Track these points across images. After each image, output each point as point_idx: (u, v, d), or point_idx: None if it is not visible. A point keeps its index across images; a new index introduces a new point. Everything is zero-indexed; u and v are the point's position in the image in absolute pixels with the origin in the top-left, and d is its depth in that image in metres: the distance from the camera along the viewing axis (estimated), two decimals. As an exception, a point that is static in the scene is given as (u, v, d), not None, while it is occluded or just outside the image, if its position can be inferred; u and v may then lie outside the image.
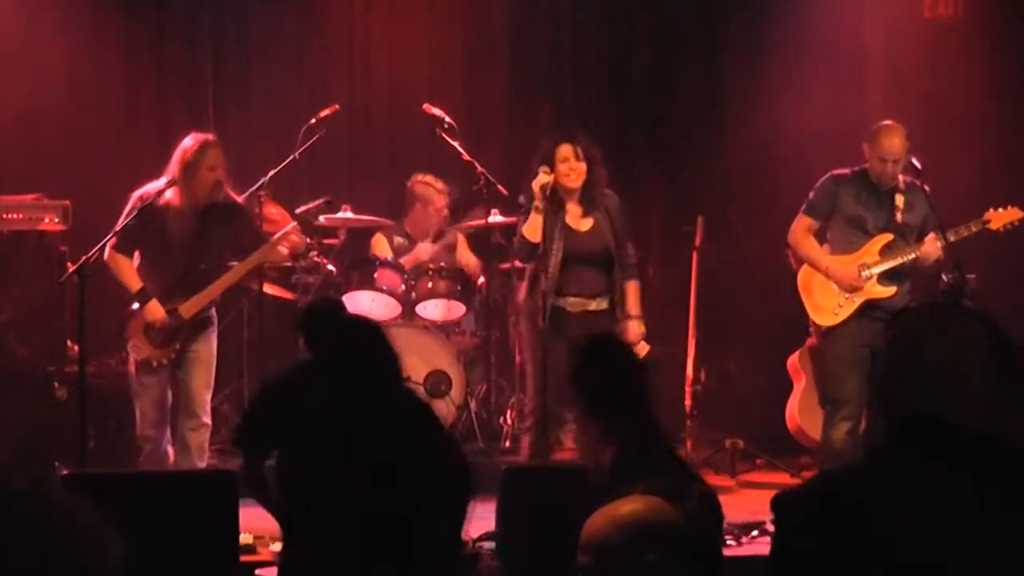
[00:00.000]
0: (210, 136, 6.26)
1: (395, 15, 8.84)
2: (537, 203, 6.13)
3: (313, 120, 7.05)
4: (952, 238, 6.27)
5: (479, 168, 7.05)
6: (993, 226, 6.33)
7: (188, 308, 6.20)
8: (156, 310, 6.16)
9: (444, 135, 7.25)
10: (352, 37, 8.86)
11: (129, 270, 6.20)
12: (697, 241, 7.71)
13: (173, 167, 6.13)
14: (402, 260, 7.61)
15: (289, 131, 7.24)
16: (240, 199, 6.42)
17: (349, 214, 7.64)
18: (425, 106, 7.43)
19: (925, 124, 7.90)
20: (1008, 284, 7.55)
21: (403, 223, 7.90)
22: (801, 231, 6.56)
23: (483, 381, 7.90)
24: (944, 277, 6.38)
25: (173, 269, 6.22)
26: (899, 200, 6.39)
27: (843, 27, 8.47)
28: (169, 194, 6.13)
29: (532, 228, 6.16)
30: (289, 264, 7.67)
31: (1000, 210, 6.35)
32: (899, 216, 6.38)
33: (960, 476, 1.99)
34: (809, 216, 6.54)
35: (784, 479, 6.85)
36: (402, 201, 7.92)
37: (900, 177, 6.39)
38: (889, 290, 6.38)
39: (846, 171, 6.49)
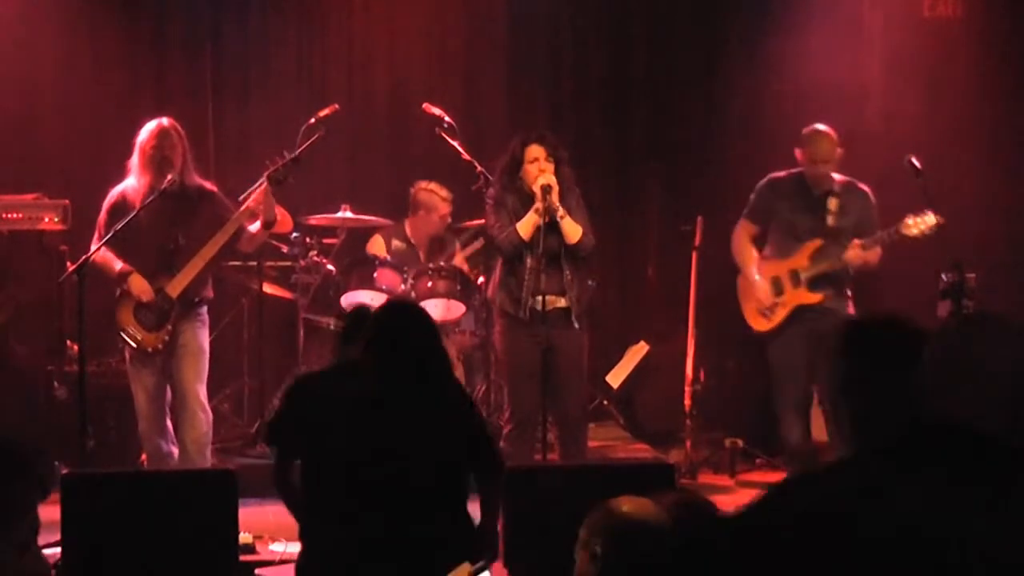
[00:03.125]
0: (163, 119, 6.28)
1: (395, 15, 8.84)
2: (538, 204, 6.12)
3: (313, 120, 7.04)
4: (868, 246, 6.34)
5: (479, 168, 7.05)
6: (910, 232, 6.30)
7: (174, 286, 6.20)
8: (140, 282, 6.17)
9: (444, 135, 7.25)
10: (352, 37, 8.86)
11: (111, 258, 6.22)
12: (697, 241, 7.71)
13: (133, 154, 6.26)
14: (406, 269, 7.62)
15: (289, 131, 7.24)
16: (210, 185, 6.42)
17: (348, 214, 7.64)
18: (425, 106, 7.43)
19: (925, 123, 7.91)
20: (1008, 284, 7.55)
21: (403, 226, 7.89)
22: (741, 237, 6.73)
23: (482, 381, 7.90)
24: (944, 277, 6.37)
25: (150, 253, 6.23)
26: (832, 204, 6.47)
27: (843, 26, 8.47)
28: (134, 184, 6.21)
29: (527, 227, 6.16)
30: (285, 257, 7.68)
31: (917, 217, 6.32)
32: (830, 220, 6.47)
33: (982, 487, 1.96)
34: (748, 220, 6.72)
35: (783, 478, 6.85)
36: (403, 201, 7.92)
37: (837, 178, 6.49)
38: (817, 296, 6.50)
39: (783, 174, 6.64)
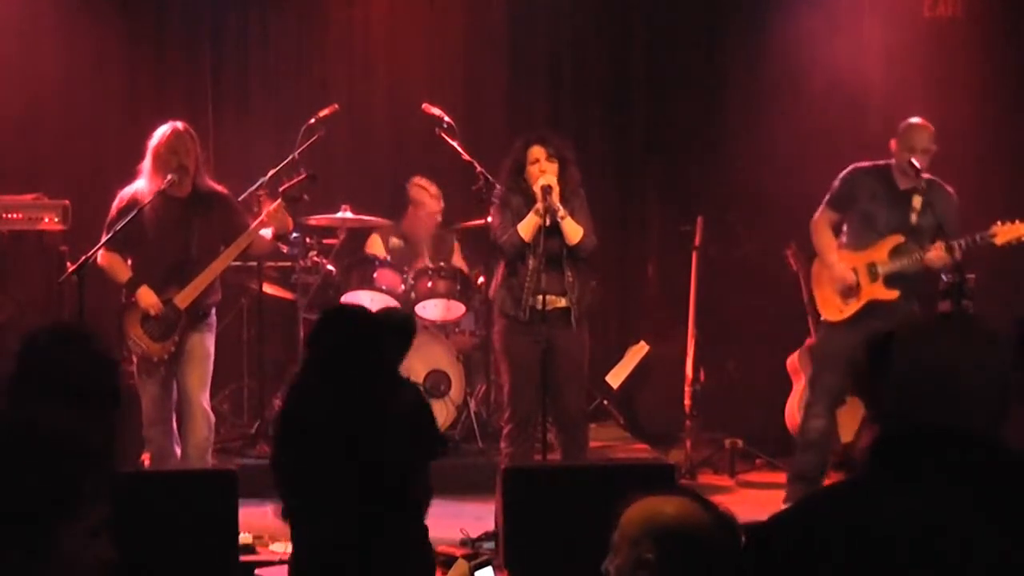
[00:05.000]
0: (178, 123, 6.23)
1: (395, 15, 8.84)
2: (538, 205, 6.11)
3: (312, 120, 7.04)
4: (957, 250, 6.23)
5: (478, 168, 7.05)
6: (999, 241, 6.22)
7: (183, 298, 6.18)
8: (148, 295, 6.15)
9: (443, 135, 7.25)
10: (352, 37, 8.86)
11: (119, 264, 6.21)
12: (697, 241, 7.71)
13: (146, 156, 6.20)
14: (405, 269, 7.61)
15: (289, 131, 7.24)
16: (222, 189, 6.40)
17: (348, 214, 7.64)
18: (424, 106, 7.43)
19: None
20: (1008, 284, 7.54)
21: (400, 224, 7.91)
22: (822, 222, 6.55)
23: (482, 381, 7.91)
24: (944, 277, 6.36)
25: (161, 260, 6.20)
26: (916, 201, 6.35)
27: (843, 27, 8.47)
28: (146, 187, 6.16)
29: (528, 228, 6.14)
30: (285, 257, 7.68)
31: (1006, 224, 6.27)
32: (914, 217, 6.36)
33: (962, 489, 1.96)
34: (831, 208, 6.53)
35: (783, 479, 6.85)
36: (402, 200, 7.92)
37: (924, 176, 6.36)
38: (892, 293, 6.37)
39: (868, 164, 6.48)
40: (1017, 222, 6.26)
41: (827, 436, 6.57)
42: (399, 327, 4.71)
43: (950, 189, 6.45)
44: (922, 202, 6.35)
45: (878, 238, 6.39)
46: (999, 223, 6.27)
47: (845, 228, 6.53)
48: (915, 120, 6.41)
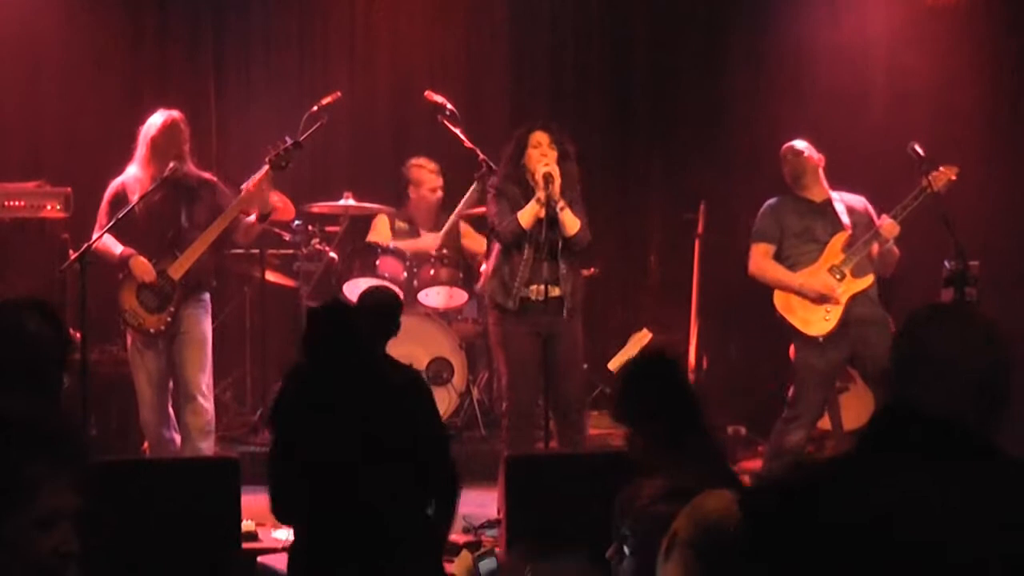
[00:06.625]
0: (173, 112, 6.30)
1: (397, 2, 8.82)
2: (539, 194, 6.08)
3: (315, 107, 7.03)
4: (902, 213, 6.29)
5: (481, 155, 7.04)
6: (935, 187, 6.26)
7: (176, 268, 6.21)
8: (142, 264, 6.19)
9: (446, 122, 7.24)
10: (354, 25, 8.85)
11: (112, 243, 6.24)
12: (699, 228, 7.70)
13: (139, 145, 6.26)
14: (405, 246, 7.59)
15: (291, 120, 7.22)
16: (209, 175, 6.45)
17: (351, 201, 7.64)
18: (427, 93, 7.42)
19: (928, 111, 7.89)
20: (1012, 272, 7.53)
21: (406, 209, 7.90)
22: (761, 258, 6.50)
23: (485, 368, 7.90)
24: (947, 264, 6.35)
25: (153, 237, 6.25)
26: (837, 205, 6.43)
27: (845, 14, 8.45)
28: (138, 174, 6.22)
29: (527, 216, 6.11)
30: (287, 245, 7.68)
31: (935, 172, 6.29)
32: (845, 218, 6.41)
33: (948, 476, 1.99)
34: (761, 242, 6.51)
35: (786, 466, 6.85)
36: (402, 187, 7.91)
37: (829, 192, 6.47)
38: (867, 279, 6.38)
39: (778, 197, 6.55)
40: (944, 167, 6.28)
41: (802, 448, 6.45)
42: (379, 307, 4.77)
43: (858, 196, 6.51)
44: (842, 206, 6.42)
45: (821, 246, 6.40)
46: (924, 177, 6.26)
47: (784, 255, 6.49)
48: (794, 147, 6.48)
